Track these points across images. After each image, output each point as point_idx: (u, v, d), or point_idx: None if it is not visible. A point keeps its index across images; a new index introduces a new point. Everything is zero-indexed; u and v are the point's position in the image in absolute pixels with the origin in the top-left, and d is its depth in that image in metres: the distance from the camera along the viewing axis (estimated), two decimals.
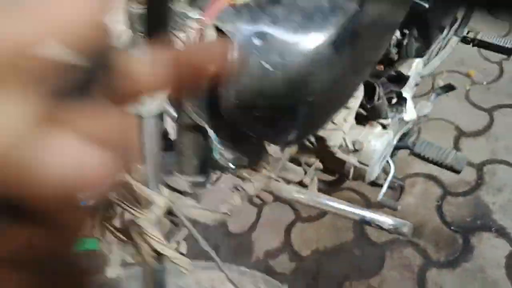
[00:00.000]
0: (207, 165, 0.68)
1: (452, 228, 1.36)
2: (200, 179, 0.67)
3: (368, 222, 0.81)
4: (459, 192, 1.43)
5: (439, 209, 1.41)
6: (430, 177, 1.48)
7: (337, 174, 1.10)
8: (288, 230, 1.47)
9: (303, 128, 0.68)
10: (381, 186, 1.06)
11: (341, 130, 0.93)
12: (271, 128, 0.66)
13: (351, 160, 0.98)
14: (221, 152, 0.64)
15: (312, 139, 0.93)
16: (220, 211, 0.68)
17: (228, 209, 0.69)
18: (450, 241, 1.34)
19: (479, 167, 1.46)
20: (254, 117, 0.63)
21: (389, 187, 1.08)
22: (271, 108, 0.63)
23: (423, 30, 0.92)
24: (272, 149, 0.76)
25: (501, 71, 1.74)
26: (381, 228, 0.80)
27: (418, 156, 1.11)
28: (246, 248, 1.41)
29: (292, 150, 0.90)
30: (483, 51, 1.79)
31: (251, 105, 0.61)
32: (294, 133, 0.68)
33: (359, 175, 0.99)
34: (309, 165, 0.98)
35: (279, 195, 0.82)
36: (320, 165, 0.99)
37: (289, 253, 1.41)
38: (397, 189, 1.21)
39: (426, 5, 0.85)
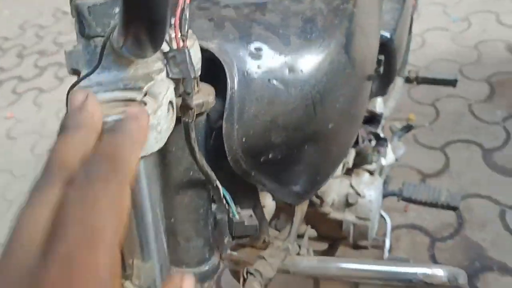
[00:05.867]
0: (217, 239, 0.47)
1: None
2: (205, 267, 0.47)
3: (419, 281, 0.64)
4: (446, 236, 1.34)
5: (433, 258, 1.29)
6: (413, 227, 1.38)
7: (333, 239, 0.92)
8: None
9: (316, 173, 0.53)
10: (364, 247, 0.91)
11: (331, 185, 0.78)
12: (283, 174, 0.49)
13: (348, 217, 0.83)
14: (239, 213, 0.46)
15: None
16: None
17: None
18: None
19: None
20: (265, 161, 0.46)
21: (373, 246, 0.94)
22: (286, 143, 0.47)
23: (386, 65, 0.80)
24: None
25: (437, 111, 1.78)
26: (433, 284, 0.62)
27: (409, 200, 0.99)
28: None
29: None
30: (413, 95, 1.84)
31: (263, 142, 0.45)
32: (307, 181, 0.52)
33: (361, 234, 0.85)
34: (301, 235, 0.77)
35: (297, 271, 0.64)
36: (314, 233, 0.81)
37: None
38: (382, 246, 1.02)
39: None
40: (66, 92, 0.31)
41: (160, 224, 0.35)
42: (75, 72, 0.42)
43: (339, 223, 0.86)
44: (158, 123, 0.30)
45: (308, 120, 0.46)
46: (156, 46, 0.29)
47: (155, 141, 0.30)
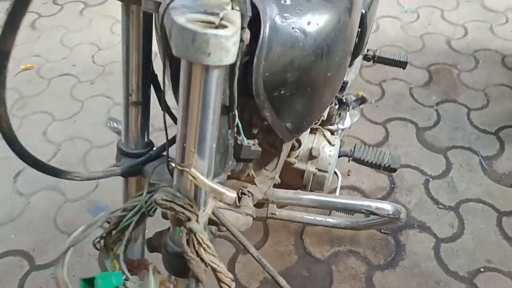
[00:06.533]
0: (226, 158, 0.57)
1: (382, 231, 1.44)
2: (217, 180, 0.57)
3: (374, 212, 0.81)
4: (380, 198, 1.54)
5: (367, 215, 1.41)
6: (353, 188, 1.58)
7: (293, 187, 1.01)
8: (231, 265, 1.36)
9: (307, 115, 0.65)
10: None
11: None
12: (285, 111, 0.60)
13: (310, 168, 0.96)
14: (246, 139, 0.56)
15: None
16: (246, 212, 0.61)
17: (251, 211, 0.63)
18: (384, 244, 1.42)
19: (389, 174, 1.61)
20: (277, 95, 0.58)
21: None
22: (296, 83, 0.58)
23: (358, 38, 0.88)
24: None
25: (383, 90, 1.98)
26: (381, 216, 0.81)
27: (359, 160, 1.14)
28: None
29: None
30: (364, 75, 2.03)
31: (280, 79, 0.56)
32: (300, 121, 0.64)
33: (318, 184, 0.98)
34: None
35: (276, 200, 0.76)
36: (278, 180, 0.89)
37: None
38: None
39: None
40: (160, 17, 0.39)
41: (216, 128, 0.44)
42: None
43: (301, 173, 0.99)
44: (238, 41, 0.39)
45: (315, 66, 0.57)
46: None
47: (234, 55, 0.39)
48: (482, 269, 1.35)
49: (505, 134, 1.75)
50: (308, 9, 0.54)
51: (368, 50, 1.45)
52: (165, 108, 0.57)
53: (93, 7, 2.54)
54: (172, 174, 0.48)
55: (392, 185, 1.60)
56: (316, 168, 1.00)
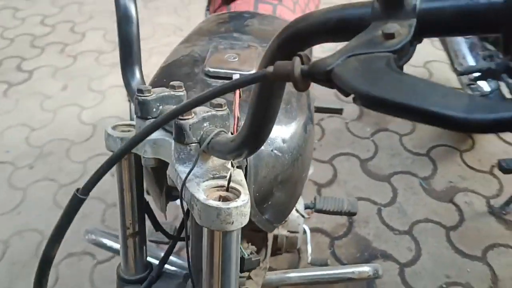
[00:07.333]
0: None
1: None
2: None
3: (355, 278, 0.88)
4: (341, 235, 1.65)
5: (334, 254, 1.58)
6: (315, 230, 1.65)
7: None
8: None
9: (287, 208, 0.71)
10: (279, 253, 1.09)
11: None
12: (271, 211, 0.65)
13: (282, 232, 1.03)
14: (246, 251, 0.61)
15: None
16: None
17: None
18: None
19: None
20: (266, 206, 0.63)
21: (287, 251, 1.10)
22: (280, 192, 0.64)
23: None
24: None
25: (322, 129, 2.10)
26: (363, 278, 0.88)
27: (321, 211, 1.22)
28: None
29: None
30: None
31: (268, 194, 0.61)
32: (281, 214, 0.69)
33: (291, 244, 1.04)
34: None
35: (267, 283, 0.80)
36: (254, 248, 0.90)
37: None
38: (296, 251, 1.31)
39: None
40: (182, 183, 0.42)
41: (238, 274, 0.48)
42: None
43: (275, 237, 1.05)
44: (250, 203, 0.43)
45: (294, 173, 0.63)
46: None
47: (249, 214, 0.43)
48: (444, 285, 1.48)
49: (435, 154, 1.96)
50: (280, 129, 0.61)
51: None
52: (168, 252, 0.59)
53: (18, 86, 2.44)
54: None
55: (350, 220, 1.71)
56: (287, 231, 1.06)
